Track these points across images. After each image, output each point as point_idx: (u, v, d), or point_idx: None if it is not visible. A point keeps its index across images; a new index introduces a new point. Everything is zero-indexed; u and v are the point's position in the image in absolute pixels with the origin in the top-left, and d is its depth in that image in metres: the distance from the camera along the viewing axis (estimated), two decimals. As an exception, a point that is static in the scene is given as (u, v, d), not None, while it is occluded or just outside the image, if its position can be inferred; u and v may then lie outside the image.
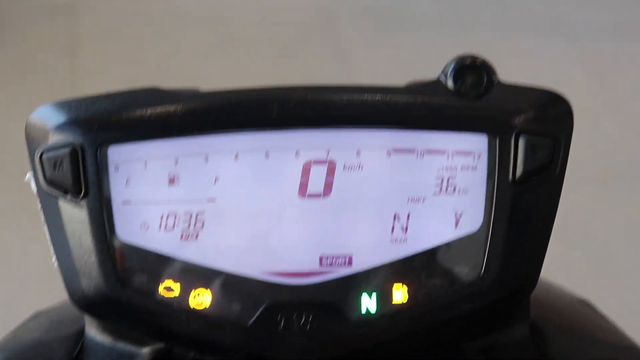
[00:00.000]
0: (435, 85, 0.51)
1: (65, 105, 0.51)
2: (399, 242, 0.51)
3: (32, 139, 0.51)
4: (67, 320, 0.60)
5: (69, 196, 0.50)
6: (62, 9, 2.58)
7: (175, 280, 0.51)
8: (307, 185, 0.51)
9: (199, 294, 0.51)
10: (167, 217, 0.51)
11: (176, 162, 0.51)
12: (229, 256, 0.51)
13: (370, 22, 2.58)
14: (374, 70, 2.34)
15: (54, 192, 0.50)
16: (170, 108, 0.50)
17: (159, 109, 0.50)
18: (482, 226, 0.51)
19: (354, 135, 0.51)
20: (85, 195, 0.50)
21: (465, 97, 0.51)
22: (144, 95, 0.51)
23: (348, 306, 0.51)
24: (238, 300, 0.51)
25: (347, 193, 0.51)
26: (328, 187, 0.51)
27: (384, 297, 0.51)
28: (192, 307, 0.51)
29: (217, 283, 0.51)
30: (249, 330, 0.50)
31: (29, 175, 0.52)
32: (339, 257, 0.51)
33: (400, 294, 0.51)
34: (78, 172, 0.50)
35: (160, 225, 0.51)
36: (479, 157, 0.51)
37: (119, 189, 0.50)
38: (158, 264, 0.51)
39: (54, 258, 0.52)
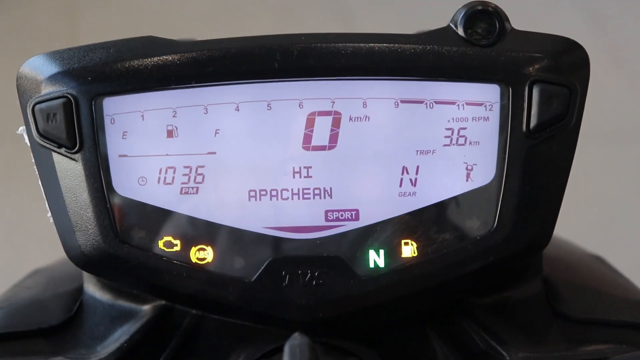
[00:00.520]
0: (445, 33, 0.49)
1: (58, 55, 0.49)
2: (408, 196, 0.49)
3: (23, 90, 0.48)
4: (65, 277, 0.58)
5: (63, 149, 0.48)
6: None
7: (175, 236, 0.49)
8: (311, 137, 0.49)
9: (200, 250, 0.49)
10: (166, 171, 0.49)
11: (174, 114, 0.49)
12: (231, 210, 0.49)
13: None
14: (379, 31, 2.31)
15: (48, 145, 0.48)
16: (168, 58, 0.48)
17: (155, 59, 0.48)
18: (494, 179, 0.49)
19: (360, 85, 0.49)
20: (80, 148, 0.48)
21: (476, 45, 0.49)
22: (140, 44, 0.49)
23: (355, 261, 0.49)
24: (241, 256, 0.49)
25: (353, 145, 0.49)
26: (333, 139, 0.49)
27: (393, 252, 0.49)
28: (193, 263, 0.49)
29: (218, 238, 0.49)
30: (252, 286, 0.49)
31: (21, 128, 0.50)
32: (345, 212, 0.49)
33: (409, 249, 0.49)
34: (72, 124, 0.48)
35: (158, 179, 0.49)
36: (491, 107, 0.49)
37: (115, 142, 0.48)
38: (157, 219, 0.49)
39: (49, 213, 0.50)
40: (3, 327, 0.53)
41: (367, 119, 0.49)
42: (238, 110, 0.49)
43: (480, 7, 0.49)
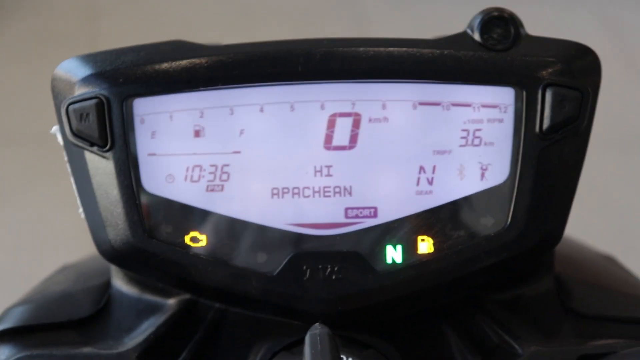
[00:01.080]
0: (462, 38, 0.51)
1: (90, 58, 0.51)
2: (424, 194, 0.51)
3: (58, 92, 0.51)
4: (93, 272, 0.60)
5: (95, 148, 0.50)
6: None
7: (201, 231, 0.51)
8: (332, 137, 0.51)
9: (224, 245, 0.51)
10: (193, 169, 0.51)
11: (201, 114, 0.51)
12: (255, 207, 0.51)
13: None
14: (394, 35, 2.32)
15: (81, 143, 0.50)
16: (196, 61, 0.50)
17: (184, 62, 0.50)
18: (508, 179, 0.51)
19: (380, 87, 0.51)
20: (111, 147, 0.50)
21: (492, 50, 0.51)
22: (169, 48, 0.51)
23: (373, 257, 0.51)
24: (264, 251, 0.51)
25: (373, 145, 0.51)
26: (353, 139, 0.51)
27: (410, 248, 0.51)
28: (218, 257, 0.51)
29: (242, 234, 0.51)
30: (275, 280, 0.51)
31: (55, 128, 0.52)
32: (364, 209, 0.51)
33: (425, 245, 0.51)
34: (104, 124, 0.50)
35: (185, 177, 0.51)
36: (506, 109, 0.51)
37: (145, 141, 0.51)
38: (184, 215, 0.51)
39: (80, 209, 0.52)
40: (35, 319, 0.55)
41: (386, 120, 0.51)
42: (262, 111, 0.51)
43: (496, 14, 0.51)
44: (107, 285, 0.58)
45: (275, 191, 0.51)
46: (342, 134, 0.51)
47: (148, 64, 0.50)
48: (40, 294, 0.59)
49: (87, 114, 0.50)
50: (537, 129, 0.50)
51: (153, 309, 0.55)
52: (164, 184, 0.51)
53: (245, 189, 0.51)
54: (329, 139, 0.51)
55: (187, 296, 0.55)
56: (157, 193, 0.51)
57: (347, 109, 0.51)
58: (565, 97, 0.50)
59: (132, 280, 0.56)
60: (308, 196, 0.51)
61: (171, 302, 0.55)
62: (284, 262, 0.51)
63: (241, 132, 0.51)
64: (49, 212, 1.81)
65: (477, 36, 0.51)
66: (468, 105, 0.51)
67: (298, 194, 0.51)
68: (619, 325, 0.54)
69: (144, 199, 0.51)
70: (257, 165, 0.51)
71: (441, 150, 0.51)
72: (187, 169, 0.51)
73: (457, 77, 0.50)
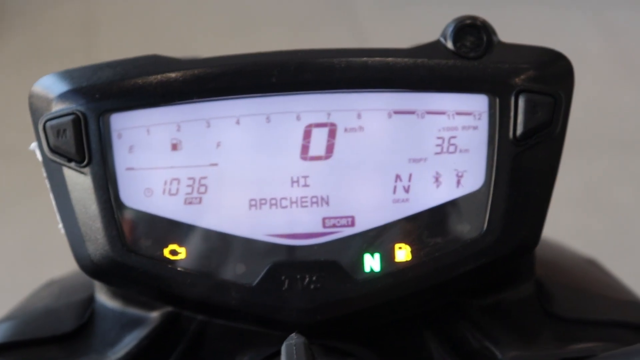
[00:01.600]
0: (435, 47, 0.51)
1: (67, 74, 0.51)
2: (401, 202, 0.51)
3: (35, 108, 0.51)
4: (77, 287, 0.61)
5: (73, 164, 0.51)
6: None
7: (180, 244, 0.51)
8: (308, 147, 0.51)
9: (203, 257, 0.51)
10: (171, 183, 0.51)
11: (178, 128, 0.51)
12: (233, 219, 0.51)
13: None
14: (390, 45, 2.33)
15: (59, 159, 0.51)
16: (171, 75, 0.51)
17: (159, 76, 0.51)
18: (483, 185, 0.51)
19: (355, 97, 0.51)
20: (89, 162, 0.50)
21: (465, 58, 0.51)
22: (144, 62, 0.52)
23: (352, 266, 0.51)
24: (242, 262, 0.51)
25: (349, 155, 0.51)
26: (330, 149, 0.51)
27: (388, 257, 0.51)
28: (197, 270, 0.51)
29: (221, 245, 0.51)
30: (254, 291, 0.51)
31: (33, 144, 0.53)
32: (342, 218, 0.52)
33: (403, 253, 0.51)
34: (81, 139, 0.50)
35: (164, 191, 0.51)
36: (480, 116, 0.51)
37: (122, 156, 0.51)
38: (163, 229, 0.51)
39: (60, 225, 0.52)
40: (19, 335, 0.55)
41: (361, 129, 0.51)
42: (238, 123, 0.51)
43: (468, 22, 0.51)
44: (91, 299, 0.58)
45: (252, 202, 0.51)
46: (318, 144, 0.51)
47: (124, 79, 0.51)
48: (24, 309, 0.60)
49: (64, 130, 0.50)
50: (510, 135, 0.50)
51: (136, 322, 0.55)
52: (143, 197, 0.51)
53: (223, 201, 0.51)
54: (305, 149, 0.51)
55: (169, 309, 0.55)
56: (136, 207, 0.51)
57: (322, 119, 0.51)
58: (537, 103, 0.50)
59: (116, 294, 0.57)
60: (285, 207, 0.51)
61: (154, 315, 0.55)
62: (263, 273, 0.51)
63: (218, 145, 0.51)
64: (46, 226, 1.81)
65: (450, 44, 0.51)
66: (442, 113, 0.51)
67: (275, 204, 0.51)
68: (599, 329, 0.54)
69: (122, 213, 0.51)
70: (235, 177, 0.51)
71: (417, 158, 0.51)
72: (165, 182, 0.51)
73: (431, 85, 0.51)
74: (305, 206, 0.51)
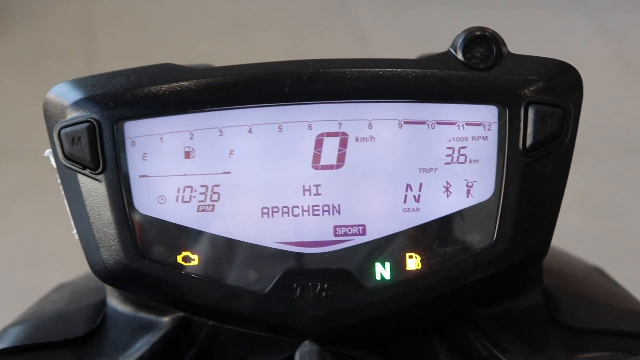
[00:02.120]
0: (445, 57, 0.52)
1: (82, 82, 0.52)
2: (412, 212, 0.52)
3: (50, 116, 0.52)
4: (88, 291, 0.61)
5: (87, 171, 0.51)
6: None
7: (193, 251, 0.52)
8: (320, 156, 0.52)
9: (216, 264, 0.52)
10: (184, 190, 0.52)
11: (191, 136, 0.52)
12: (245, 227, 0.52)
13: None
14: (390, 48, 2.34)
15: (73, 166, 0.51)
16: (185, 84, 0.51)
17: (173, 85, 0.51)
18: (493, 195, 0.52)
19: (366, 107, 0.52)
20: (103, 169, 0.51)
21: (475, 69, 0.51)
22: (158, 71, 0.52)
23: (362, 274, 0.52)
24: (254, 269, 0.52)
25: (360, 164, 0.52)
26: (341, 159, 0.52)
27: (398, 265, 0.52)
28: (209, 276, 0.52)
29: (233, 253, 0.52)
30: (266, 298, 0.51)
31: (47, 151, 0.53)
32: (353, 227, 0.52)
33: (413, 262, 0.52)
34: (96, 147, 0.51)
35: (177, 198, 0.52)
36: (490, 127, 0.52)
37: (136, 163, 0.52)
38: (176, 235, 0.52)
39: (74, 231, 0.53)
40: (31, 339, 0.56)
41: (372, 139, 0.52)
42: (251, 132, 0.52)
43: (478, 33, 0.52)
44: (103, 303, 0.58)
45: (265, 210, 0.52)
46: (329, 153, 0.52)
47: (138, 88, 0.51)
48: (35, 313, 0.60)
49: (79, 138, 0.51)
50: (520, 146, 0.51)
51: (148, 327, 0.56)
52: (156, 204, 0.52)
53: (236, 208, 0.52)
54: (317, 158, 0.52)
55: (181, 314, 0.55)
56: (149, 214, 0.52)
57: (334, 128, 0.52)
58: (547, 114, 0.51)
59: (127, 298, 0.57)
60: (297, 215, 0.52)
61: (166, 320, 0.56)
62: (275, 280, 0.52)
63: (231, 153, 0.52)
64: (47, 228, 1.82)
65: (460, 55, 0.52)
66: (453, 123, 0.52)
67: (287, 213, 0.52)
68: (606, 338, 0.54)
69: (136, 220, 0.52)
70: (247, 185, 0.52)
71: (427, 168, 0.52)
72: (178, 190, 0.52)
73: (441, 96, 0.51)
74: (317, 214, 0.52)
